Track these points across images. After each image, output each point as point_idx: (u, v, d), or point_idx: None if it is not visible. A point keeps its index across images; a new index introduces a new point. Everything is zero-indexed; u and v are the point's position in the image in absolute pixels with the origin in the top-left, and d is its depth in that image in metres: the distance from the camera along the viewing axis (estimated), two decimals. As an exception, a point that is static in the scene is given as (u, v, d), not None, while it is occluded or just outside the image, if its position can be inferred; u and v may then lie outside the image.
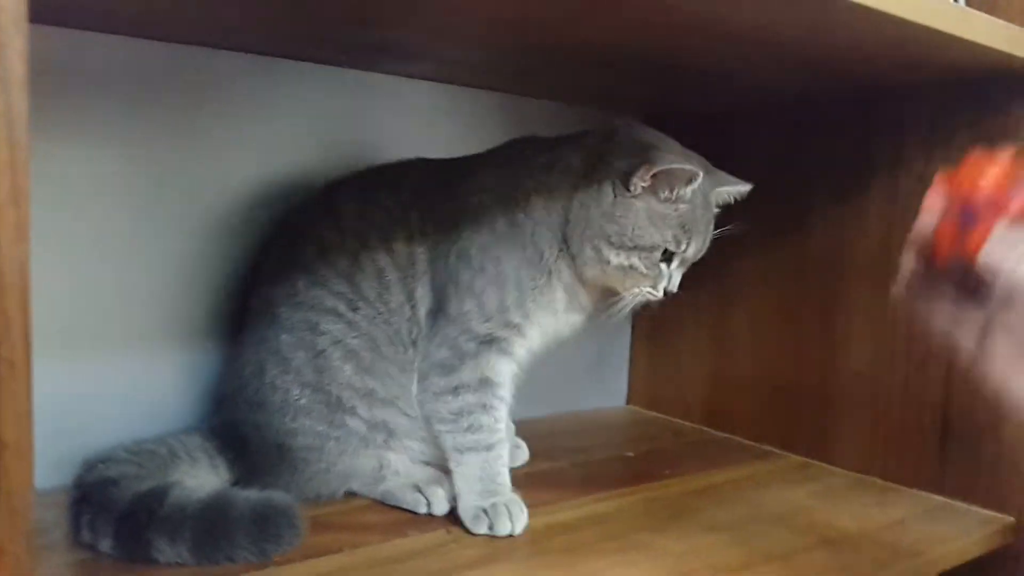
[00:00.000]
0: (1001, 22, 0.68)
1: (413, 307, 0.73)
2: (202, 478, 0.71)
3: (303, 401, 0.71)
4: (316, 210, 0.78)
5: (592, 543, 0.69)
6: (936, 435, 0.84)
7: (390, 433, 0.73)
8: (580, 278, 0.73)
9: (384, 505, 0.75)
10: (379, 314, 0.73)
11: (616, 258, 0.70)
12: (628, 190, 0.69)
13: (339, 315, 0.72)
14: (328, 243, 0.75)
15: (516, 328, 0.72)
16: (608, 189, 0.70)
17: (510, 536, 0.69)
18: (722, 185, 0.75)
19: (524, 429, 0.93)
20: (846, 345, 0.91)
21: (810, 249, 0.94)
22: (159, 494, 0.61)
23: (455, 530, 0.70)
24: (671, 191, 0.70)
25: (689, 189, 0.70)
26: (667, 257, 0.72)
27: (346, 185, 0.78)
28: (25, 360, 0.27)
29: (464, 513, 0.70)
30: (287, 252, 0.77)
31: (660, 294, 0.74)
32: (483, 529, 0.69)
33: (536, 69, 0.87)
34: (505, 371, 0.73)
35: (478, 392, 0.72)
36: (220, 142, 0.83)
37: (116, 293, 0.79)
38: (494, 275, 0.71)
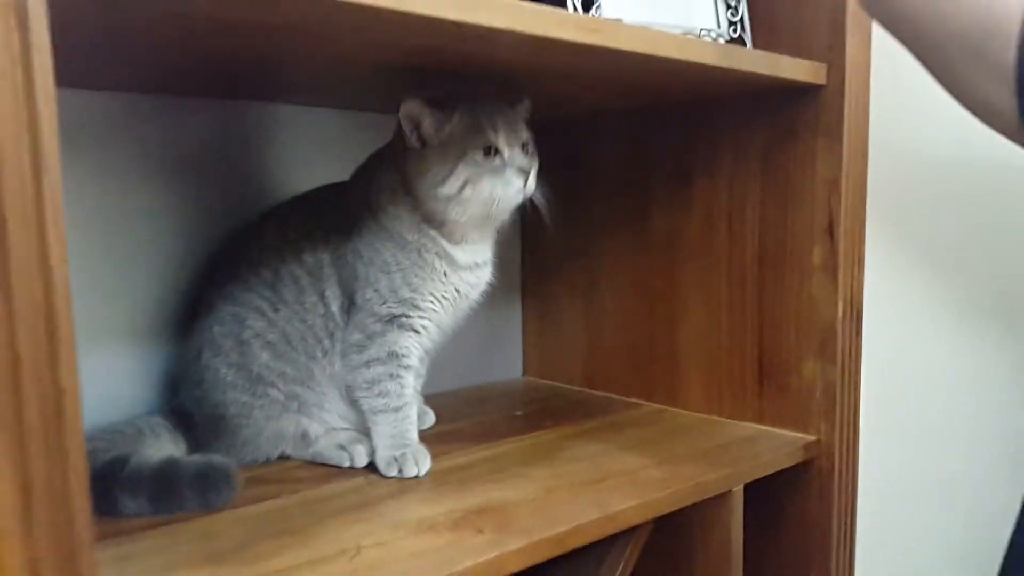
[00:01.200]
0: (760, 52, 0.89)
1: (326, 304, 0.90)
2: (165, 449, 0.87)
3: (230, 378, 0.88)
4: (248, 233, 0.95)
5: (481, 477, 0.87)
6: (755, 378, 1.05)
7: (302, 403, 0.90)
8: (449, 230, 0.87)
9: (314, 464, 0.92)
10: (295, 313, 0.89)
11: (449, 187, 0.83)
12: (412, 148, 0.84)
13: (262, 314, 0.89)
14: (255, 259, 0.91)
15: (410, 303, 0.88)
16: (404, 157, 0.86)
17: (416, 477, 0.86)
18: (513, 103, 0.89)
19: (431, 401, 1.11)
20: (685, 311, 1.12)
21: (653, 234, 1.15)
22: (121, 461, 0.77)
23: (372, 476, 0.87)
24: (424, 122, 0.83)
25: (433, 116, 0.83)
26: (491, 152, 0.83)
27: (271, 213, 0.96)
28: (69, 333, 0.44)
29: (379, 462, 0.88)
30: (227, 266, 0.93)
31: (518, 182, 0.84)
32: (394, 472, 0.86)
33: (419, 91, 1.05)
34: (409, 344, 0.90)
35: (386, 364, 0.89)
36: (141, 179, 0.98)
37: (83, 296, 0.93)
38: (380, 264, 0.88)
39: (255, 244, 0.93)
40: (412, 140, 0.84)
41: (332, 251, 0.90)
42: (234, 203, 1.03)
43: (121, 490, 0.76)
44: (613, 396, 1.23)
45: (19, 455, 0.44)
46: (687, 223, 1.11)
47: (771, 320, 1.03)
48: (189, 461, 0.80)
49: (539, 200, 0.89)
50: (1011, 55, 0.52)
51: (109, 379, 0.95)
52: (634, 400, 1.20)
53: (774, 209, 1.02)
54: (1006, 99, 0.53)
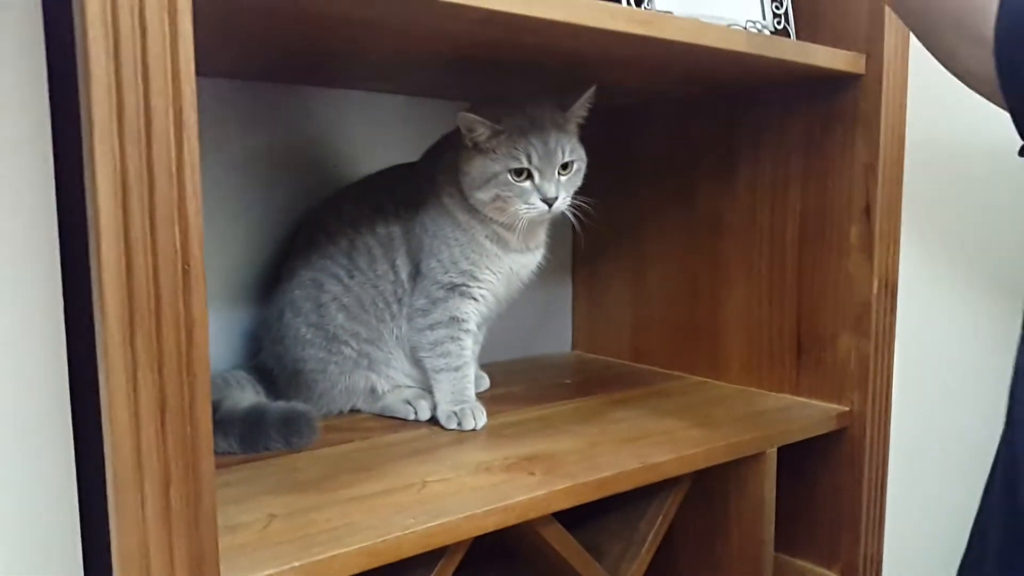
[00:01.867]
0: (797, 42, 0.95)
1: (396, 272, 0.99)
2: (249, 398, 0.97)
3: (309, 335, 0.98)
4: (327, 209, 1.05)
5: (532, 432, 0.95)
6: (793, 352, 1.11)
7: (371, 361, 1.00)
8: (489, 223, 0.95)
9: (382, 417, 1.01)
10: (368, 280, 0.99)
11: (481, 194, 0.92)
12: (465, 146, 0.92)
13: (339, 280, 0.99)
14: (333, 231, 1.01)
15: (469, 274, 0.97)
16: (460, 153, 0.93)
17: (473, 430, 0.95)
18: (569, 105, 0.93)
19: (486, 368, 1.19)
20: (727, 288, 1.19)
21: (697, 215, 1.22)
22: (215, 405, 0.86)
23: (435, 428, 0.96)
24: (476, 132, 0.89)
25: (485, 128, 0.89)
26: (523, 175, 0.90)
27: (347, 189, 1.06)
28: (201, 272, 0.53)
29: (440, 415, 0.97)
30: (307, 237, 1.03)
31: (541, 207, 0.91)
32: (454, 425, 0.95)
33: (481, 80, 1.13)
34: (469, 310, 0.98)
35: (448, 327, 0.97)
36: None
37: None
38: (442, 238, 0.97)
39: (333, 217, 1.02)
40: (467, 140, 0.92)
41: (402, 224, 0.99)
42: (313, 181, 1.13)
43: (215, 431, 0.85)
44: (657, 369, 1.30)
45: (159, 373, 0.54)
46: (731, 204, 1.17)
47: (809, 297, 1.09)
48: (275, 406, 0.90)
49: (569, 213, 0.96)
50: (990, 25, 0.58)
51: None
52: (676, 373, 1.27)
53: (815, 191, 1.07)
54: (987, 66, 0.59)
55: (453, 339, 0.97)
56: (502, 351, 1.33)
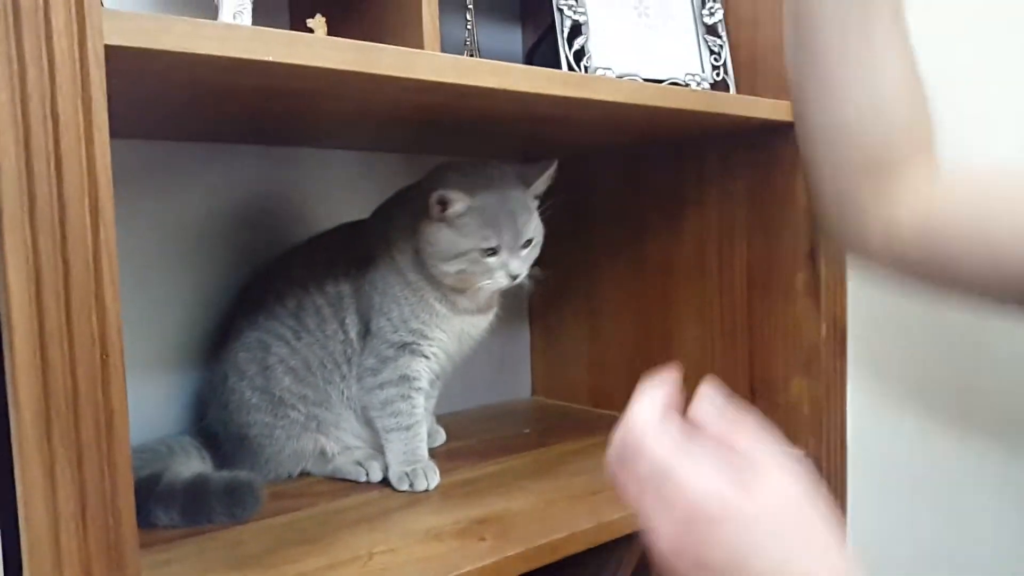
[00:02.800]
0: (739, 96, 0.97)
1: (345, 331, 0.98)
2: (193, 466, 0.95)
3: (254, 400, 0.96)
4: (275, 267, 1.04)
5: (486, 490, 0.94)
6: (747, 395, 1.11)
7: (320, 423, 0.98)
8: (440, 286, 0.95)
9: (333, 479, 0.99)
10: (316, 340, 0.97)
11: (447, 267, 0.91)
12: (429, 217, 0.90)
13: (286, 341, 0.97)
14: (280, 290, 1.00)
15: (419, 332, 0.96)
16: (423, 222, 0.91)
17: (426, 491, 0.93)
18: (531, 180, 0.94)
19: (443, 420, 1.18)
20: (680, 332, 1.19)
21: (648, 256, 1.22)
22: (156, 476, 0.85)
23: (386, 490, 0.95)
24: (451, 208, 0.88)
25: (462, 204, 0.88)
26: (490, 252, 0.90)
27: (297, 248, 1.05)
28: (120, 361, 0.51)
29: (392, 477, 0.95)
30: (254, 296, 1.02)
31: (505, 281, 0.92)
32: (405, 487, 0.93)
33: (432, 136, 1.13)
34: (420, 368, 0.97)
35: (398, 386, 0.96)
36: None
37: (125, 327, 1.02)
38: (391, 297, 0.96)
39: (282, 276, 1.01)
40: (435, 213, 0.91)
41: (352, 282, 0.98)
42: (264, 239, 1.11)
43: (156, 503, 0.83)
44: (616, 414, 1.26)
45: (77, 467, 0.52)
46: (680, 249, 1.18)
47: (760, 340, 1.09)
48: (218, 476, 0.88)
49: (526, 284, 0.96)
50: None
51: (144, 402, 1.03)
52: (635, 418, 1.26)
53: (760, 237, 1.08)
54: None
55: (404, 398, 0.96)
56: (461, 400, 1.32)
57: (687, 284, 1.17)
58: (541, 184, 0.96)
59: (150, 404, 1.04)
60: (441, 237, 0.91)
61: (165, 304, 1.05)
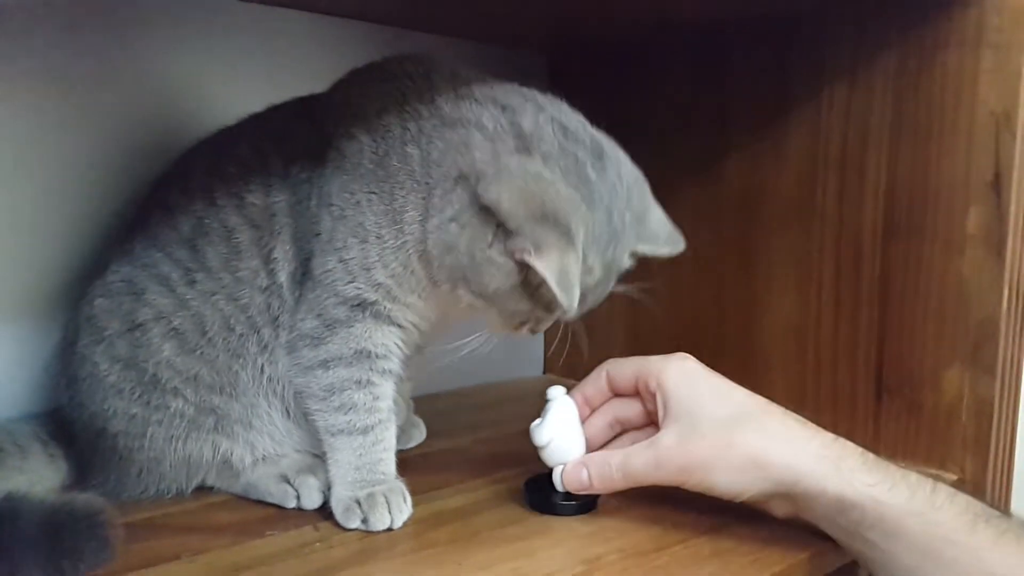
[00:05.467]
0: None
1: (271, 272, 0.61)
2: (36, 472, 0.61)
3: (112, 378, 0.60)
4: (174, 168, 0.67)
5: (484, 531, 0.59)
6: (871, 390, 0.76)
7: (221, 419, 0.62)
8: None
9: (247, 501, 0.64)
10: (221, 286, 0.61)
11: (468, 298, 0.58)
12: (506, 248, 0.55)
13: (169, 286, 0.61)
14: (173, 204, 0.63)
15: (386, 290, 0.59)
16: (487, 228, 0.55)
17: (389, 530, 0.58)
18: (647, 242, 0.63)
19: (425, 403, 0.83)
20: (768, 296, 0.83)
21: (726, 191, 0.86)
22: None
23: (325, 526, 0.59)
24: (544, 260, 0.54)
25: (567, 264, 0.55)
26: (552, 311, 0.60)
27: (204, 142, 0.67)
28: None
29: (336, 506, 0.59)
30: (138, 213, 0.66)
31: (524, 336, 0.63)
32: (356, 523, 0.58)
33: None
34: (387, 341, 0.62)
35: (352, 366, 0.60)
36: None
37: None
38: (355, 224, 0.58)
39: (178, 182, 0.65)
40: (515, 246, 0.54)
41: (291, 190, 0.61)
42: (171, 133, 0.74)
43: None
44: (662, 406, 0.94)
45: None
46: (777, 176, 0.81)
47: (898, 313, 0.74)
48: (37, 505, 0.52)
49: None
50: None
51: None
52: (691, 413, 0.91)
53: (909, 155, 0.72)
54: None
55: (361, 384, 0.60)
56: (450, 377, 0.97)
57: (785, 229, 0.81)
58: (652, 250, 0.64)
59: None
60: (501, 276, 0.56)
61: (19, 224, 0.69)
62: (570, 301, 0.53)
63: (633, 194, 0.60)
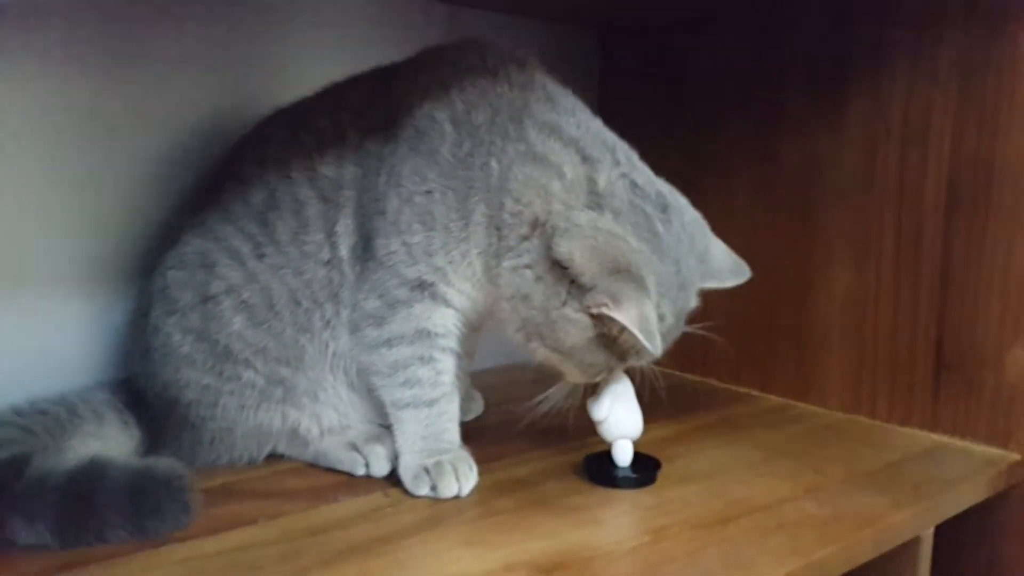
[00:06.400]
0: None
1: (333, 245, 0.62)
2: (111, 439, 0.64)
3: (186, 348, 0.62)
4: (250, 139, 0.68)
5: (549, 500, 0.60)
6: (930, 367, 0.76)
7: (289, 392, 0.64)
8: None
9: (317, 468, 0.66)
10: (288, 261, 0.62)
11: (543, 352, 0.59)
12: (580, 303, 0.56)
13: (240, 259, 0.62)
14: (247, 176, 0.64)
15: (443, 275, 0.60)
16: (560, 286, 0.57)
17: (456, 497, 0.60)
18: (712, 280, 0.64)
19: (484, 378, 0.85)
20: (826, 272, 0.83)
21: (782, 164, 0.85)
22: (17, 463, 0.51)
23: (394, 492, 0.61)
24: (619, 317, 0.54)
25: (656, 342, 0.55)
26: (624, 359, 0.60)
27: (283, 110, 0.68)
28: None
29: (404, 473, 0.61)
30: (213, 184, 0.67)
31: (584, 380, 0.62)
32: (425, 490, 0.60)
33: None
34: (446, 321, 0.63)
35: (414, 344, 0.61)
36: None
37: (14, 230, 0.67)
38: (421, 208, 0.59)
39: (254, 152, 0.66)
40: (591, 302, 0.55)
41: (360, 162, 0.62)
42: (234, 108, 0.76)
43: (12, 510, 0.50)
44: (713, 383, 0.95)
45: None
46: (836, 150, 0.81)
47: (960, 289, 0.73)
48: (122, 468, 0.54)
49: None
50: None
51: (40, 337, 0.69)
52: (743, 390, 0.91)
53: (975, 128, 0.71)
54: None
55: (423, 360, 0.61)
56: (497, 353, 0.98)
57: (844, 201, 0.81)
58: (718, 284, 0.65)
59: (50, 339, 0.70)
60: (575, 332, 0.57)
61: (92, 194, 0.71)
62: (654, 346, 0.54)
63: (696, 238, 0.61)
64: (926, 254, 0.75)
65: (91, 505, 0.51)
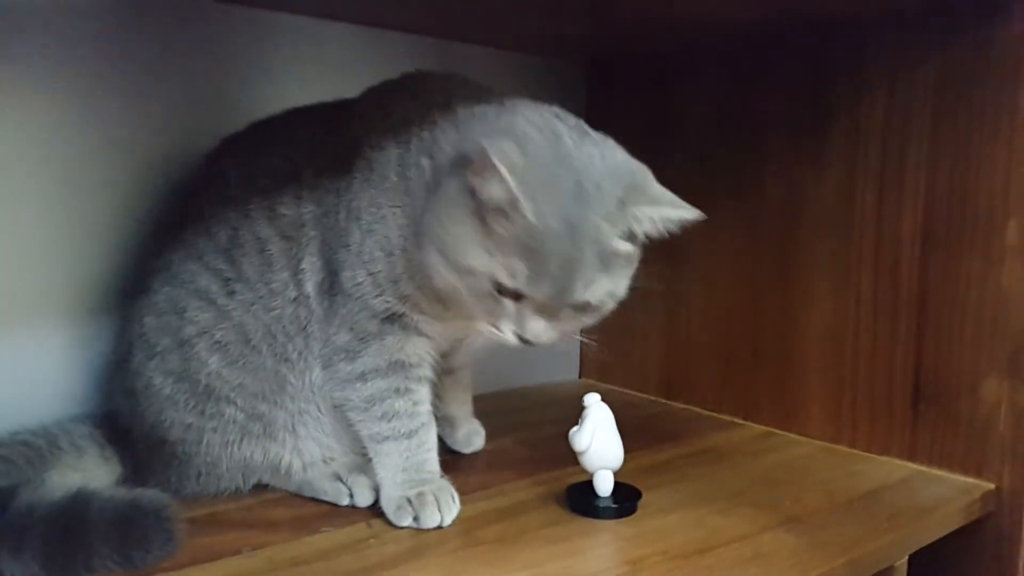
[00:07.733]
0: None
1: (299, 283, 0.63)
2: (90, 472, 0.64)
3: (168, 390, 0.63)
4: (204, 178, 0.68)
5: (530, 530, 0.61)
6: (908, 397, 0.77)
7: (268, 426, 0.64)
8: None
9: (302, 498, 0.66)
10: (259, 298, 0.63)
11: (441, 273, 0.56)
12: (459, 182, 0.54)
13: (210, 300, 0.63)
14: (208, 215, 0.65)
15: (413, 302, 0.61)
16: (453, 178, 0.55)
17: (439, 528, 0.60)
18: (645, 204, 0.57)
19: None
20: (807, 303, 0.84)
21: (764, 198, 0.87)
22: (3, 495, 0.52)
23: (377, 523, 0.62)
24: (489, 191, 0.52)
25: (515, 202, 0.51)
26: (507, 293, 0.55)
27: (235, 143, 0.68)
28: None
29: (387, 505, 0.62)
30: (175, 220, 0.67)
31: (510, 338, 0.57)
32: (408, 521, 0.60)
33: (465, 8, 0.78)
34: (419, 350, 0.63)
35: (389, 376, 0.62)
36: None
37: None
38: (382, 237, 0.60)
39: (212, 192, 0.66)
40: (468, 179, 0.53)
41: (318, 200, 0.63)
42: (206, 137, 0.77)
43: (1, 544, 0.51)
44: (697, 410, 0.96)
45: None
46: (816, 186, 0.82)
47: (937, 321, 0.75)
48: (107, 499, 0.55)
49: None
50: None
51: (21, 367, 0.70)
52: (727, 418, 0.92)
53: (948, 166, 0.73)
54: None
55: (400, 392, 0.62)
56: (485, 381, 0.98)
57: (822, 236, 0.82)
58: (652, 224, 0.58)
59: (31, 370, 0.70)
60: (454, 224, 0.55)
61: (73, 224, 0.72)
62: (530, 208, 0.51)
63: (620, 171, 0.57)
64: (903, 287, 0.77)
65: (78, 536, 0.52)
